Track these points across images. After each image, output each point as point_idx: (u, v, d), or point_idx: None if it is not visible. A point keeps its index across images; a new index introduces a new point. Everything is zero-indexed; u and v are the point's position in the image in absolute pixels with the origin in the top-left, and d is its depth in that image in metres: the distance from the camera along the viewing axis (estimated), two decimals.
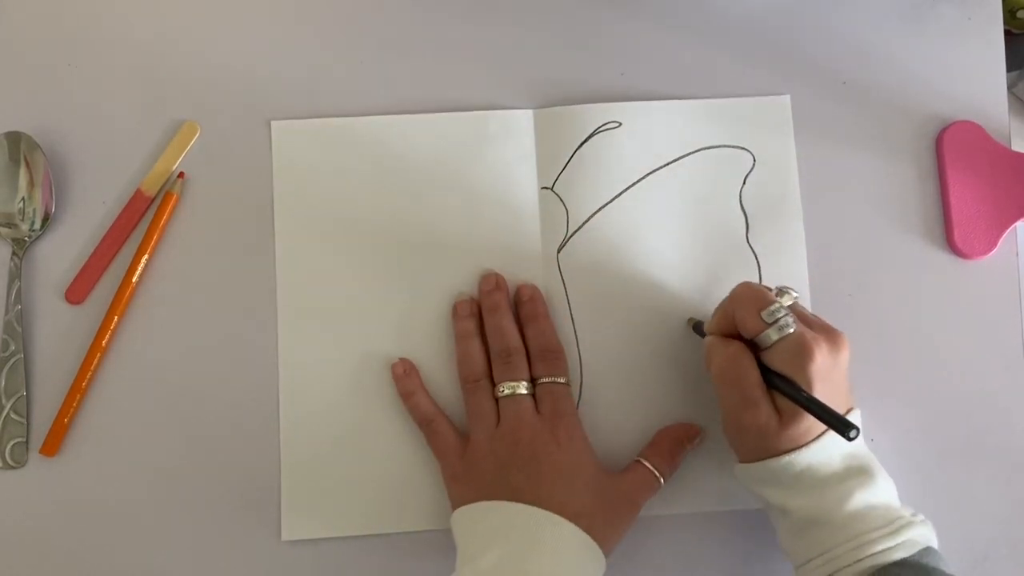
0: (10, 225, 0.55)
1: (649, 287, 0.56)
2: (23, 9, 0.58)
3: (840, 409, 0.47)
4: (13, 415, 0.54)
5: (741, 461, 0.50)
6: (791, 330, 0.47)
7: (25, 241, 0.55)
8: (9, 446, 0.53)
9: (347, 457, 0.54)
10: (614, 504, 0.50)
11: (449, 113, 0.57)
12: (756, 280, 0.56)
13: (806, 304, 0.56)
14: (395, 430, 0.54)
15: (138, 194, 0.56)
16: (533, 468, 0.50)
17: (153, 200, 0.56)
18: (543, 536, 0.47)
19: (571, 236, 0.56)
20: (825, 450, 0.47)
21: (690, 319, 0.55)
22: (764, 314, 0.47)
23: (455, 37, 0.58)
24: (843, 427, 0.43)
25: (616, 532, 0.50)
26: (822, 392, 0.46)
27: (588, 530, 0.48)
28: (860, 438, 0.49)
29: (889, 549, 0.45)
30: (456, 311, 0.55)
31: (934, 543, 0.47)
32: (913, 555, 0.45)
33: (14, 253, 0.55)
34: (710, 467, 0.54)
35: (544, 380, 0.52)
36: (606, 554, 0.49)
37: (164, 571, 0.53)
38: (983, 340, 0.56)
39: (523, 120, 0.57)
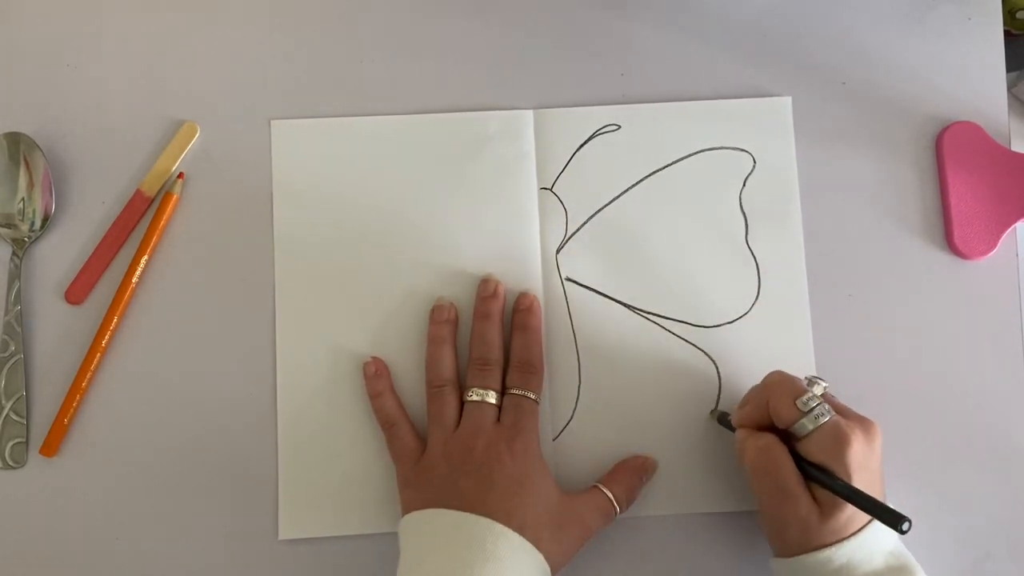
0: (10, 225, 0.55)
1: (648, 288, 0.56)
2: (23, 9, 0.58)
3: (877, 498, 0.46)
4: (13, 415, 0.54)
5: (778, 555, 0.49)
6: (826, 418, 0.46)
7: (25, 241, 0.55)
8: (9, 446, 0.53)
9: (344, 456, 0.54)
10: (563, 522, 0.50)
11: (449, 113, 0.57)
12: (754, 283, 0.56)
13: (805, 306, 0.56)
14: None
15: (138, 194, 0.56)
16: (483, 476, 0.49)
17: (153, 200, 0.56)
18: (486, 545, 0.47)
19: (570, 237, 0.56)
20: (867, 544, 0.46)
21: (713, 411, 0.54)
22: (799, 403, 0.47)
23: (455, 37, 0.58)
24: (895, 519, 0.42)
25: (562, 550, 0.49)
26: (860, 481, 0.45)
27: (534, 542, 0.48)
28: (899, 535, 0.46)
29: None
30: (433, 315, 0.54)
31: None
32: None
33: (14, 253, 0.55)
34: (708, 468, 0.54)
35: (514, 392, 0.52)
36: (552, 570, 0.48)
37: (162, 570, 0.53)
38: (983, 340, 0.56)
39: (523, 120, 0.57)
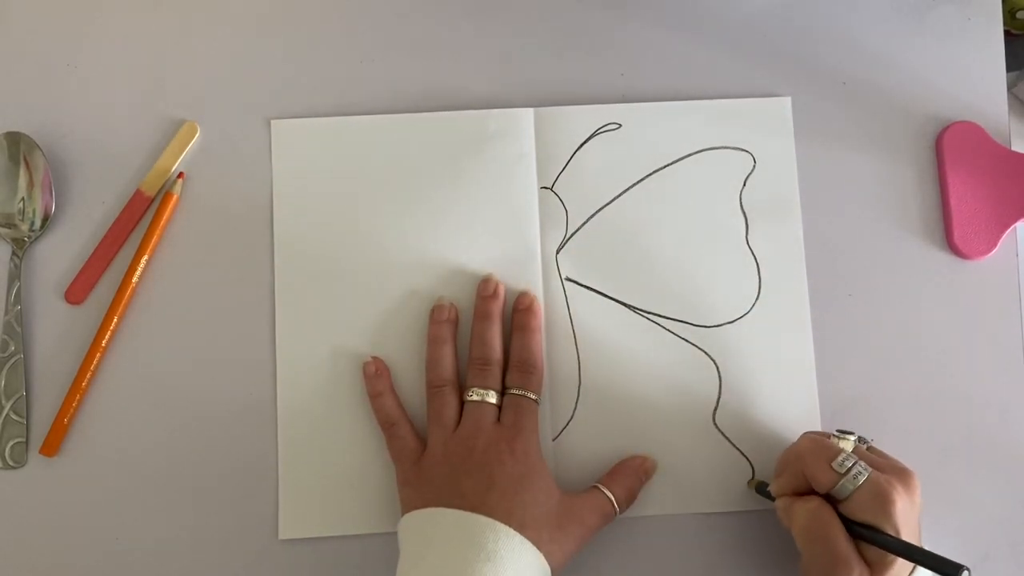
0: (10, 225, 0.55)
1: (648, 288, 0.56)
2: (23, 9, 0.58)
3: None
4: (13, 415, 0.54)
5: None
6: (864, 476, 0.46)
7: (25, 241, 0.55)
8: (9, 446, 0.53)
9: (344, 456, 0.54)
10: (563, 522, 0.50)
11: (449, 113, 0.57)
12: (755, 283, 0.56)
13: (805, 306, 0.56)
14: None
15: (138, 194, 0.56)
16: (483, 475, 0.49)
17: (153, 200, 0.56)
18: (486, 544, 0.47)
19: (571, 236, 0.56)
20: None
21: (751, 480, 0.54)
22: (835, 465, 0.47)
23: (455, 37, 0.58)
24: (954, 570, 0.42)
25: (562, 549, 0.49)
26: (906, 536, 0.45)
27: (534, 542, 0.48)
28: None
29: None
30: (433, 315, 0.54)
31: None
32: None
33: (14, 253, 0.55)
34: (708, 468, 0.54)
35: (514, 391, 0.52)
36: (552, 570, 0.48)
37: (163, 570, 0.53)
38: (983, 340, 0.56)
39: (523, 120, 0.57)
